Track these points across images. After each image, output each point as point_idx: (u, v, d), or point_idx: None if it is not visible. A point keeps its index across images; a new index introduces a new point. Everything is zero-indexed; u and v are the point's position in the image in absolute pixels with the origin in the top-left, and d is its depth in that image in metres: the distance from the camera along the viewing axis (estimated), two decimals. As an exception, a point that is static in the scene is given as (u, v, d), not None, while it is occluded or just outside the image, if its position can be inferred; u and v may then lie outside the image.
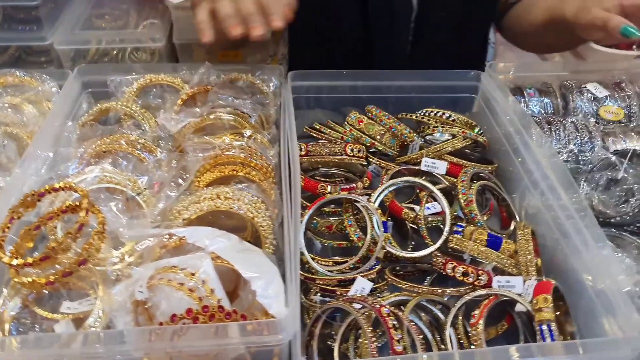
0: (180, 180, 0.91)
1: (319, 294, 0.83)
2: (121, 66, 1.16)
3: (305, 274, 0.85)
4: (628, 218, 0.87)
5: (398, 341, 0.70)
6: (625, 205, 0.88)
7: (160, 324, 0.67)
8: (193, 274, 0.70)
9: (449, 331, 0.76)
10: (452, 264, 0.82)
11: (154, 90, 1.16)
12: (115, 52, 2.16)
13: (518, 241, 0.83)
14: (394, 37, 1.27)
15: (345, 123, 1.08)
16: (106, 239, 0.75)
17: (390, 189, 0.95)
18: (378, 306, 0.73)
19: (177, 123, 1.00)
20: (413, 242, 0.96)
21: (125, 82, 1.13)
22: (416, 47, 1.29)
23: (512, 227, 0.98)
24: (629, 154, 0.91)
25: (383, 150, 1.07)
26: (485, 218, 1.02)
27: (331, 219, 0.94)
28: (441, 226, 0.92)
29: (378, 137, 1.06)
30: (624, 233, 0.89)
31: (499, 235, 0.85)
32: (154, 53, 2.20)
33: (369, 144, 1.06)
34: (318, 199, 0.92)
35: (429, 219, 0.95)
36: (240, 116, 1.01)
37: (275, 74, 1.17)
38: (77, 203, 0.78)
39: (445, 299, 0.83)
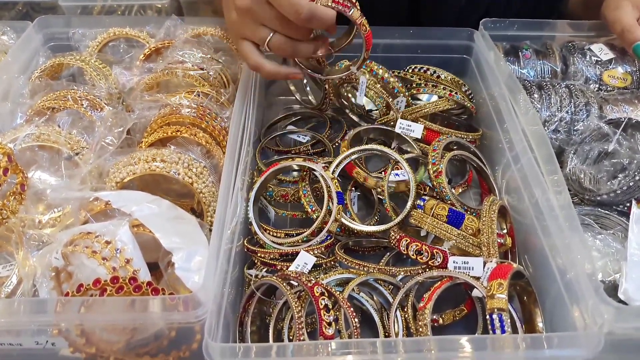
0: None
1: (260, 269, 0.76)
2: (86, 18, 1.09)
3: (248, 246, 0.78)
4: (613, 195, 0.76)
5: (329, 324, 0.63)
6: (613, 182, 0.78)
7: (67, 294, 0.62)
8: (108, 242, 0.65)
9: (393, 315, 0.69)
10: (407, 240, 0.74)
11: (123, 45, 1.10)
12: (121, 10, 2.12)
13: (482, 219, 0.73)
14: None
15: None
16: (24, 200, 0.70)
17: (353, 157, 0.86)
18: (310, 284, 0.66)
19: (132, 79, 0.94)
20: (377, 216, 0.88)
21: (88, 35, 1.07)
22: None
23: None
24: (623, 124, 0.79)
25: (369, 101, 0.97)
26: (460, 190, 0.93)
27: (289, 187, 0.87)
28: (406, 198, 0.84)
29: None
30: (610, 213, 0.79)
31: (461, 211, 0.76)
32: (160, 10, 2.15)
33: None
34: (271, 165, 0.85)
35: (399, 187, 0.87)
36: (197, 71, 0.94)
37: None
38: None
39: (399, 278, 0.75)
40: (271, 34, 0.74)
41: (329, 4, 0.72)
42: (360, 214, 0.91)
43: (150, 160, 0.76)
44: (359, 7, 0.76)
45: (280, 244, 0.78)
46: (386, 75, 0.95)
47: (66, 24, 1.08)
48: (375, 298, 0.75)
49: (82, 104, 0.87)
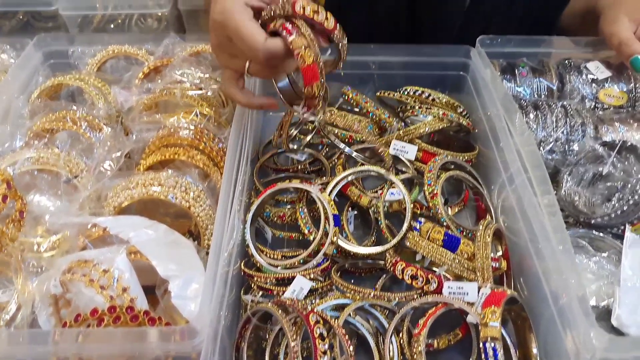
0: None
1: (256, 293, 0.77)
2: (85, 36, 1.09)
3: (245, 270, 0.79)
4: (607, 219, 0.77)
5: (324, 352, 0.64)
6: (608, 205, 0.78)
7: (65, 324, 0.63)
8: (106, 271, 0.65)
9: (388, 340, 0.70)
10: (402, 265, 0.75)
11: (122, 62, 1.11)
12: (121, 19, 2.13)
13: (476, 243, 0.74)
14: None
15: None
16: (23, 227, 0.71)
17: (350, 178, 0.87)
18: (306, 312, 0.66)
19: (131, 99, 0.94)
20: (375, 235, 0.89)
21: (88, 53, 1.08)
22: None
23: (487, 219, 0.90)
24: (618, 146, 0.80)
25: (361, 139, 0.98)
26: (456, 210, 0.94)
27: (286, 208, 0.87)
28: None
29: (355, 125, 0.96)
30: (605, 236, 0.79)
31: (457, 235, 0.76)
32: (160, 19, 2.16)
33: (345, 138, 0.97)
34: (268, 186, 0.85)
35: (394, 206, 0.88)
36: (196, 91, 0.95)
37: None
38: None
39: (394, 303, 0.75)
40: (247, 63, 0.75)
41: (279, 30, 0.70)
42: (358, 233, 0.92)
43: (148, 184, 0.76)
44: (324, 24, 0.71)
45: (276, 266, 0.79)
46: (372, 109, 0.97)
47: (66, 42, 1.09)
48: (370, 322, 0.76)
49: (81, 125, 0.88)
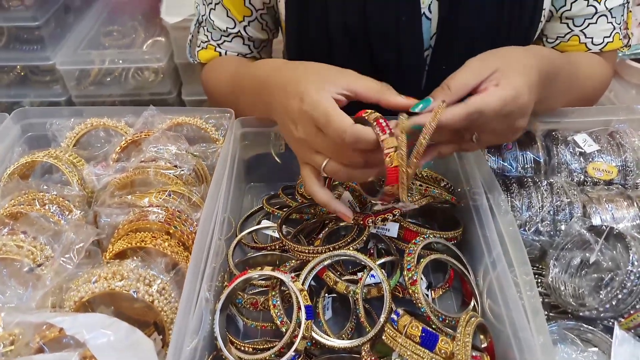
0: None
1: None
2: (63, 109, 1.08)
3: (212, 367, 0.75)
4: (595, 313, 0.72)
5: None
6: (596, 296, 0.74)
7: None
8: (55, 381, 0.61)
9: None
10: (377, 364, 0.70)
11: (103, 134, 1.09)
12: (118, 72, 2.14)
13: (456, 341, 0.69)
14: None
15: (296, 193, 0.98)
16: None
17: (324, 263, 0.83)
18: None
19: (102, 178, 0.92)
20: (354, 322, 0.84)
21: (65, 126, 1.06)
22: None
23: (471, 306, 0.86)
24: (605, 233, 0.76)
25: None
26: (440, 293, 0.90)
27: (259, 296, 0.83)
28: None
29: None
30: (595, 329, 0.74)
31: (435, 332, 0.72)
32: (157, 72, 2.17)
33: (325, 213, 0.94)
34: (240, 274, 0.82)
35: (372, 292, 0.84)
36: (170, 170, 0.92)
37: (227, 117, 1.07)
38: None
39: (369, 405, 0.71)
40: (326, 161, 0.75)
41: (371, 121, 0.70)
42: (337, 318, 0.88)
43: (110, 277, 0.73)
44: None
45: (246, 361, 0.75)
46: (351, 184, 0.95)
47: (43, 115, 1.07)
48: None
49: (50, 209, 0.86)
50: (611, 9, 1.01)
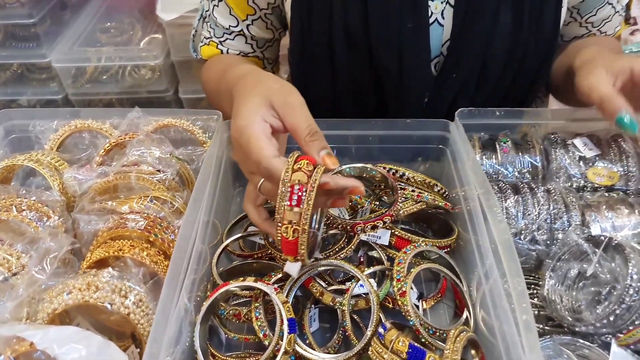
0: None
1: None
2: (48, 111, 1.05)
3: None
4: (592, 328, 0.69)
5: None
6: (593, 310, 0.70)
7: None
8: (20, 401, 0.59)
9: None
10: (361, 383, 0.67)
11: (87, 137, 1.06)
12: (115, 70, 2.11)
13: (444, 358, 0.66)
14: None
15: None
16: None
17: (310, 273, 0.80)
18: None
19: (84, 183, 0.89)
20: (341, 334, 0.81)
21: (49, 128, 1.03)
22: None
23: (463, 318, 0.82)
24: (603, 244, 0.72)
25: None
26: (432, 303, 0.86)
27: (242, 307, 0.80)
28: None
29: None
30: (592, 345, 0.71)
31: (422, 348, 0.68)
32: (154, 69, 2.14)
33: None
34: (220, 285, 0.79)
35: (360, 304, 0.80)
36: (153, 174, 0.89)
37: (214, 119, 1.04)
38: None
39: (353, 423, 0.68)
40: (262, 180, 0.73)
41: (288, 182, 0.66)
42: (324, 329, 0.84)
43: (85, 288, 0.70)
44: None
45: (228, 375, 0.72)
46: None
47: (27, 117, 1.04)
48: None
49: (27, 216, 0.83)
50: (624, 4, 1.06)
